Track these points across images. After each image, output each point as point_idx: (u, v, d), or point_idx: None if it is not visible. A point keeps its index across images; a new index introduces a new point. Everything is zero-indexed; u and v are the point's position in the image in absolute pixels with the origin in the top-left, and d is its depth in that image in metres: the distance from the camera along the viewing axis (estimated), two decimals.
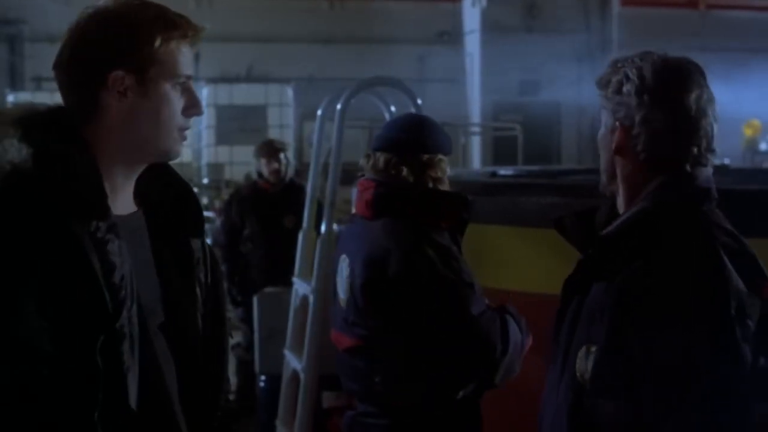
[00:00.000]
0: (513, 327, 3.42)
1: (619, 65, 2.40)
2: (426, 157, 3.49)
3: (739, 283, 2.20)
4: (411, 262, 3.35)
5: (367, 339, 3.46)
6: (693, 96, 2.33)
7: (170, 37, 2.04)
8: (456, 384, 3.41)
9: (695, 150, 2.34)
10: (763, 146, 18.41)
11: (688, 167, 2.34)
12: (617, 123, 2.37)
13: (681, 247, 2.25)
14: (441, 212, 3.47)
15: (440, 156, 3.51)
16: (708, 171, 2.37)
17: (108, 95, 2.02)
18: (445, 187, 3.53)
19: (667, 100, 2.33)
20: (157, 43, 2.02)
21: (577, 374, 2.34)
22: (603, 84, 2.41)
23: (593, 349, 2.31)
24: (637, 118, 2.33)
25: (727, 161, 12.36)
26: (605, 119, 2.42)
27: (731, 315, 2.18)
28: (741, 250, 2.27)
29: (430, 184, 3.49)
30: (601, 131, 2.44)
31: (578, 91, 16.32)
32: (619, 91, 2.36)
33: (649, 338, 2.21)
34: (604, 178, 2.45)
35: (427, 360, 3.38)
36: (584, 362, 2.32)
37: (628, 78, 2.35)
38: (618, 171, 2.41)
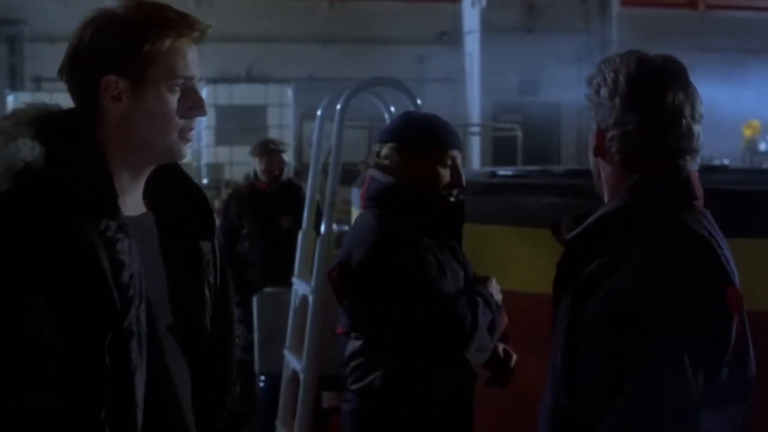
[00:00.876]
0: (481, 305, 3.42)
1: (602, 66, 2.39)
2: (399, 150, 3.51)
3: (696, 285, 2.19)
4: (378, 252, 3.37)
5: (348, 326, 3.50)
6: (668, 96, 2.30)
7: (164, 38, 2.02)
8: (427, 369, 3.40)
9: (670, 150, 2.32)
10: (762, 146, 18.43)
11: (664, 167, 2.32)
12: (596, 124, 2.38)
13: (631, 248, 2.25)
14: (415, 211, 3.46)
15: (413, 152, 3.50)
16: (686, 171, 2.34)
17: (103, 99, 2.02)
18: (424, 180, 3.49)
19: (640, 102, 2.31)
20: (148, 45, 2.00)
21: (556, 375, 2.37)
22: (588, 84, 2.42)
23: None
24: (610, 121, 2.33)
25: (726, 161, 12.38)
26: (591, 120, 2.42)
27: (677, 317, 2.16)
28: (705, 253, 2.24)
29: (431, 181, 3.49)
30: (590, 132, 2.44)
31: (578, 92, 16.24)
32: (597, 92, 2.37)
33: (592, 335, 2.23)
34: (594, 178, 2.46)
35: (392, 347, 3.39)
36: (560, 366, 2.35)
37: (605, 80, 2.35)
38: (600, 172, 2.41)
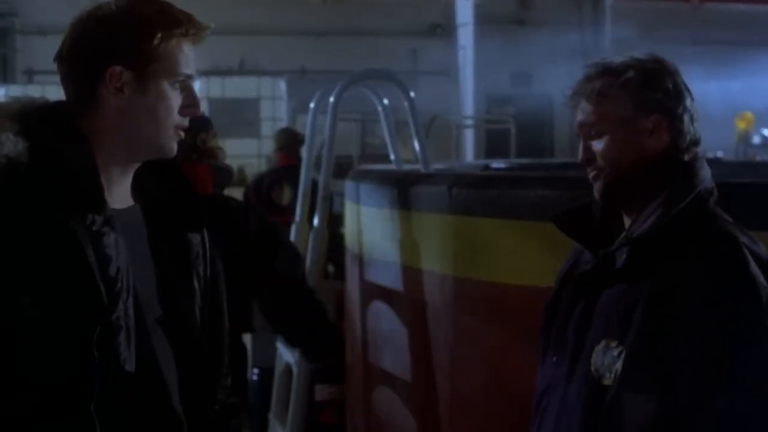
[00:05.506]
0: None
1: (615, 65, 2.38)
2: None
3: (762, 278, 2.24)
4: None
5: None
6: (689, 98, 2.38)
7: (171, 35, 2.03)
8: None
9: (694, 152, 2.39)
10: (756, 139, 18.44)
11: (697, 165, 2.37)
12: (657, 116, 2.34)
13: (712, 247, 2.27)
14: None
15: None
16: (707, 168, 2.40)
17: (105, 90, 2.02)
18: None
19: (687, 95, 2.37)
20: (157, 40, 2.02)
21: (592, 368, 2.34)
22: (617, 84, 2.36)
23: (613, 344, 2.31)
24: (680, 110, 2.35)
25: (720, 154, 12.39)
26: (622, 117, 2.36)
27: (763, 307, 2.22)
28: (755, 244, 2.31)
29: None
30: (618, 136, 2.37)
31: (571, 84, 16.25)
32: (650, 86, 2.34)
33: (687, 334, 2.22)
34: (618, 183, 2.38)
35: None
36: (602, 357, 2.33)
37: (652, 72, 2.35)
38: (645, 169, 2.36)
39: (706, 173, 2.38)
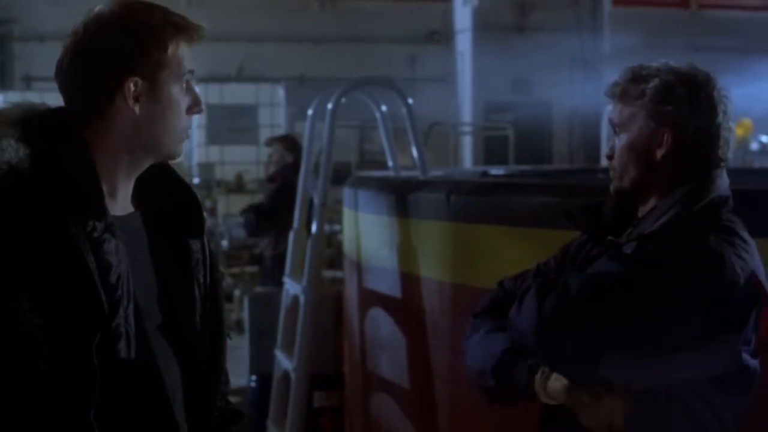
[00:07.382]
0: None
1: (644, 73, 2.44)
2: None
3: (742, 289, 2.29)
4: None
5: None
6: (728, 104, 2.46)
7: (179, 41, 2.05)
8: None
9: (723, 155, 2.44)
10: (754, 146, 18.43)
11: (716, 173, 2.43)
12: (666, 130, 2.41)
13: (694, 250, 2.33)
14: None
15: None
16: (726, 178, 2.46)
17: (120, 100, 2.02)
18: None
19: (715, 108, 2.43)
20: (170, 48, 2.03)
21: None
22: (636, 92, 2.44)
23: None
24: (692, 127, 2.40)
25: None
26: (639, 126, 2.44)
27: (731, 318, 2.29)
28: (748, 261, 2.35)
29: None
30: (629, 139, 2.46)
31: (570, 91, 16.29)
32: (664, 99, 2.40)
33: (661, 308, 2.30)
34: (627, 183, 2.47)
35: None
36: None
37: (670, 85, 2.41)
38: (653, 176, 2.44)
39: (723, 181, 2.45)
